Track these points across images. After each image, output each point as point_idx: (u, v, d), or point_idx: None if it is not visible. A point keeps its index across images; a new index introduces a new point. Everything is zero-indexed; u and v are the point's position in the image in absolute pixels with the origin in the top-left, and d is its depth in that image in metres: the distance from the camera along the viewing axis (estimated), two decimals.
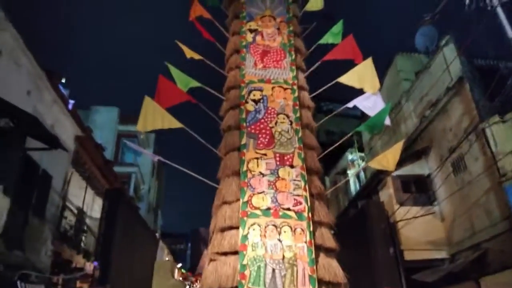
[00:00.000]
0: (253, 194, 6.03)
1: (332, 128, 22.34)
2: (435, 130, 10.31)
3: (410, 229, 9.13)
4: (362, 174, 17.11)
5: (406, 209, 9.39)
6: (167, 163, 7.55)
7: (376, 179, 10.92)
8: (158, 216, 30.10)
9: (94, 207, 12.21)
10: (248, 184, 6.12)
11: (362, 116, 13.16)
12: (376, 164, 7.53)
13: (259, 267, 5.41)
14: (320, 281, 5.48)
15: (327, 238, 6.03)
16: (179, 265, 15.85)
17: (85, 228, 11.12)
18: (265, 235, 5.66)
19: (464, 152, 8.77)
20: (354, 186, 17.55)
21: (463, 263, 7.64)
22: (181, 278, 13.91)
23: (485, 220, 7.82)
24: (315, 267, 5.47)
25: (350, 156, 18.01)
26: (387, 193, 10.26)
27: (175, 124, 7.29)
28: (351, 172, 17.36)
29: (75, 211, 10.98)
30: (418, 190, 10.14)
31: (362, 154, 17.41)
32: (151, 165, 25.88)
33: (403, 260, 8.60)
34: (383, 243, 8.68)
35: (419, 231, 9.03)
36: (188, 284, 13.63)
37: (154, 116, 7.14)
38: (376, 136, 15.22)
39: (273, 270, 5.40)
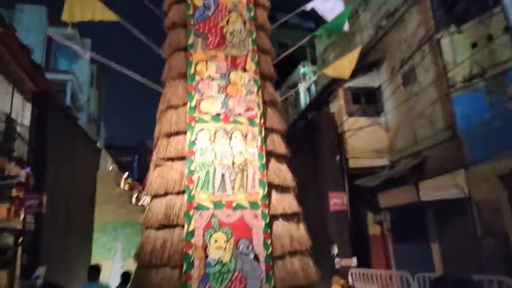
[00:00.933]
0: (202, 99, 5.56)
1: (286, 41, 21.59)
2: (390, 42, 10.14)
3: (356, 139, 9.39)
4: (313, 88, 17.08)
5: (354, 120, 9.54)
6: (107, 65, 6.76)
7: (327, 91, 10.84)
8: (101, 127, 28.93)
9: (26, 114, 11.20)
10: (196, 88, 5.61)
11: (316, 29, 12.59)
12: (331, 71, 7.27)
13: (207, 172, 5.19)
14: (270, 185, 5.43)
15: (278, 144, 5.88)
16: (126, 174, 15.52)
17: (16, 135, 10.22)
18: (214, 141, 5.36)
19: (416, 63, 8.75)
20: (304, 100, 17.60)
21: (403, 169, 8.08)
22: (127, 188, 13.67)
23: (428, 130, 8.15)
24: (265, 172, 5.37)
25: (302, 69, 17.72)
26: (337, 105, 10.30)
27: (110, 16, 6.34)
28: (302, 86, 17.23)
29: (2, 117, 9.95)
30: (368, 101, 10.27)
31: (315, 68, 17.17)
32: (89, 73, 24.08)
33: (348, 167, 8.96)
34: (331, 151, 8.89)
35: (364, 140, 9.32)
36: (136, 194, 13.43)
37: (83, 6, 6.11)
38: (330, 49, 14.88)
39: (223, 175, 5.21)
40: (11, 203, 9.98)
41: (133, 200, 12.68)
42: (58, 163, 7.95)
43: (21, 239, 7.31)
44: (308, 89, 17.41)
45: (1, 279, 8.55)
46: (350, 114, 9.78)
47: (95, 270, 6.24)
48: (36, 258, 6.81)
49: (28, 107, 11.02)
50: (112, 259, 10.36)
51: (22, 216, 7.40)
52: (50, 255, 7.26)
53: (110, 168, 15.59)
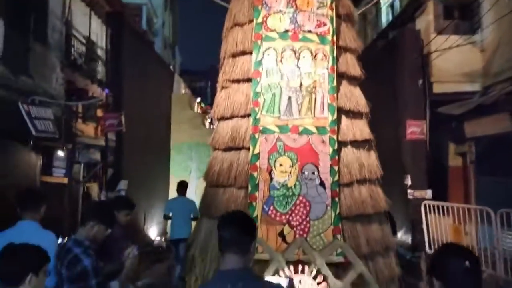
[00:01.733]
0: (269, 14, 5.13)
1: None
2: None
3: (444, 60, 8.28)
4: (397, 3, 15.19)
5: (443, 38, 8.33)
6: None
7: (415, 3, 9.47)
8: (176, 52, 29.55)
9: (104, 37, 11.63)
10: (263, 2, 5.15)
11: None
12: None
13: (273, 95, 4.94)
14: (340, 110, 5.06)
15: (351, 65, 5.35)
16: (198, 99, 15.94)
17: (97, 57, 10.76)
18: (281, 61, 5.01)
19: None
20: (386, 18, 15.84)
21: (497, 94, 7.05)
22: (200, 111, 14.09)
23: None
24: (335, 95, 4.97)
25: None
26: (425, 20, 9.02)
27: None
28: (384, 1, 15.40)
29: (82, 40, 10.45)
30: (462, 16, 8.83)
31: None
32: None
33: (431, 93, 8.08)
34: (413, 74, 8.00)
35: (454, 62, 8.20)
36: (209, 117, 13.81)
37: None
38: None
39: (289, 97, 4.93)
40: (97, 123, 10.88)
41: (206, 123, 13.11)
42: (134, 85, 8.28)
43: (105, 155, 7.99)
44: (391, 5, 15.53)
45: (94, 190, 9.66)
46: (440, 31, 8.52)
47: (182, 185, 6.75)
48: (119, 173, 7.44)
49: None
50: (188, 177, 11.10)
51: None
52: (131, 170, 7.89)
53: (183, 92, 16.08)
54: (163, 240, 9.27)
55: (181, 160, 11.13)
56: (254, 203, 4.75)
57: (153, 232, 9.25)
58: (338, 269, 4.40)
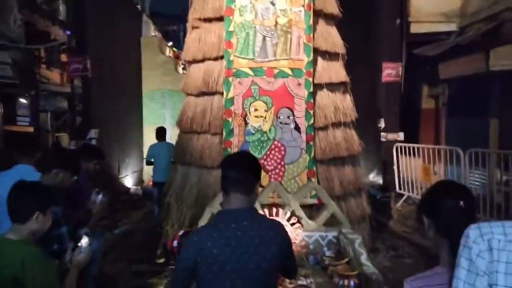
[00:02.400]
0: None
1: None
2: None
3: None
4: None
5: None
6: None
7: None
8: None
9: None
10: None
11: None
12: None
13: (247, 34, 4.70)
14: (316, 51, 4.90)
15: (328, 2, 5.10)
16: (170, 43, 15.20)
17: None
18: None
19: None
20: None
21: (473, 34, 6.99)
22: (173, 56, 13.49)
23: None
24: (311, 35, 4.77)
25: None
26: None
27: None
28: None
29: None
30: None
31: None
32: None
33: (408, 33, 7.93)
34: (391, 14, 7.78)
35: (432, 1, 7.99)
36: (181, 63, 13.25)
37: None
38: None
39: (264, 38, 4.71)
40: (62, 69, 10.28)
41: (179, 69, 12.62)
42: (99, 27, 7.73)
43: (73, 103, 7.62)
44: None
45: (64, 140, 9.35)
46: None
47: (161, 131, 6.65)
48: (87, 122, 7.16)
49: None
50: (162, 125, 10.86)
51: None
52: (101, 119, 7.60)
53: (153, 34, 15.28)
54: (139, 188, 9.25)
55: (155, 108, 10.82)
56: (229, 149, 4.69)
57: (128, 181, 9.19)
58: (312, 210, 4.51)
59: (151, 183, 8.90)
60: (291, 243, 1.91)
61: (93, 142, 7.04)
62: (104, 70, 7.90)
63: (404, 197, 7.60)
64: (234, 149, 4.68)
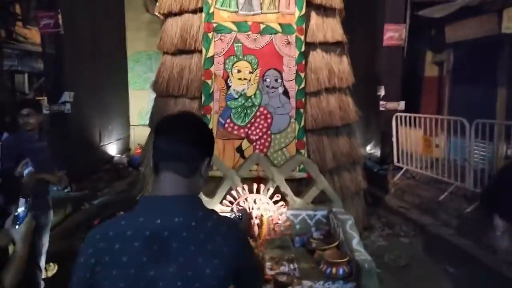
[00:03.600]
0: None
1: None
2: None
3: None
4: None
5: None
6: None
7: None
8: None
9: None
10: None
11: None
12: None
13: None
14: (309, 4, 4.26)
15: None
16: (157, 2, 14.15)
17: None
18: None
19: None
20: None
21: None
22: (159, 15, 12.50)
23: None
24: None
25: None
26: None
27: None
28: None
29: None
30: None
31: None
32: None
33: None
34: None
35: None
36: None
37: None
38: None
39: None
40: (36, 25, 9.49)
41: None
42: None
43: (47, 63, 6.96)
44: None
45: (44, 105, 8.72)
46: None
47: None
48: (60, 83, 6.56)
49: None
50: (148, 90, 10.24)
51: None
52: (78, 81, 6.99)
53: None
54: (123, 156, 8.75)
55: (141, 71, 10.14)
56: (208, 116, 4.16)
57: (112, 149, 8.69)
58: (301, 185, 4.04)
59: (138, 151, 8.43)
60: (252, 256, 1.34)
61: (68, 105, 6.48)
62: (80, 28, 7.19)
63: (403, 170, 7.15)
64: (214, 116, 4.15)
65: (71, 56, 6.81)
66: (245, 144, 4.15)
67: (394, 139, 7.31)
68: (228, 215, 2.17)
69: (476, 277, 3.69)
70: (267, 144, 4.17)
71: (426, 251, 4.38)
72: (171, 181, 1.17)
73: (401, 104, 7.37)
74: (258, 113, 4.17)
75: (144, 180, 4.64)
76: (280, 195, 3.21)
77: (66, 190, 6.57)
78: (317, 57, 4.41)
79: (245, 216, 1.77)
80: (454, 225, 5.08)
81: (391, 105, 7.30)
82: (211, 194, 3.51)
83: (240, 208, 3.06)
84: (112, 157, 8.62)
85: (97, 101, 7.72)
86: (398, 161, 7.29)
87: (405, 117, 6.98)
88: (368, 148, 8.58)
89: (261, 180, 3.81)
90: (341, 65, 4.64)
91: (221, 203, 3.33)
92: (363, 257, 2.84)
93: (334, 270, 2.81)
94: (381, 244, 4.57)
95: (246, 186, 3.20)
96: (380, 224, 5.25)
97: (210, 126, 4.14)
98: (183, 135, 1.19)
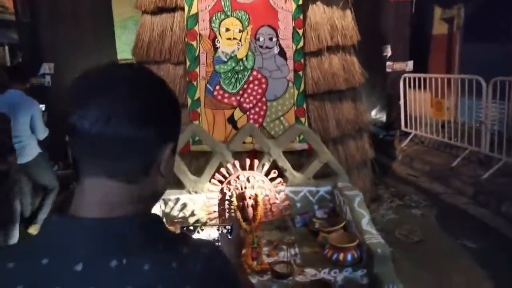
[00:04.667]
0: None
1: None
2: None
3: None
4: None
5: None
6: None
7: None
8: None
9: None
10: None
11: None
12: None
13: None
14: None
15: None
16: None
17: None
18: None
19: None
20: None
21: None
22: None
23: None
24: None
25: None
26: None
27: None
28: None
29: None
30: None
31: None
32: None
33: None
34: None
35: None
36: None
37: None
38: None
39: None
40: None
41: None
42: None
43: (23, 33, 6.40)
44: None
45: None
46: None
47: None
48: (38, 54, 6.03)
49: None
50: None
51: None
52: (58, 51, 6.45)
53: None
54: None
55: (129, 39, 9.45)
56: (194, 82, 3.68)
57: None
58: (301, 158, 3.62)
59: None
60: None
61: (48, 78, 5.98)
62: None
63: (411, 135, 6.71)
64: (201, 83, 3.67)
65: (49, 24, 6.24)
66: (237, 113, 3.68)
67: (401, 102, 6.82)
68: (214, 231, 1.69)
69: (499, 252, 3.32)
70: (262, 113, 3.71)
71: (441, 224, 4.00)
72: (101, 191, 0.67)
73: (409, 65, 6.83)
74: (251, 78, 3.68)
75: None
76: (277, 171, 2.79)
77: (54, 169, 6.19)
78: (317, 11, 3.86)
79: (236, 228, 1.27)
80: (469, 193, 4.69)
81: (398, 65, 6.76)
82: (199, 172, 3.09)
83: (230, 216, 2.63)
84: None
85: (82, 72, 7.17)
86: (406, 126, 6.83)
87: (414, 78, 6.45)
88: (373, 113, 8.09)
89: (257, 154, 3.39)
90: (345, 20, 4.09)
91: (210, 182, 2.91)
92: (375, 240, 2.45)
93: (341, 256, 2.43)
94: (391, 217, 4.19)
95: (237, 162, 2.77)
96: (388, 194, 4.86)
97: (197, 95, 3.68)
98: (121, 106, 0.65)
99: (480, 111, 5.35)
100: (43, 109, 4.84)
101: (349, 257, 2.43)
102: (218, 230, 1.27)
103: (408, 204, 4.59)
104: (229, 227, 1.28)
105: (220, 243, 1.20)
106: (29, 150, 3.73)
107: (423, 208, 4.46)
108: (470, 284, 2.84)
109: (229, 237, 1.22)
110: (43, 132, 3.83)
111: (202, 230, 1.22)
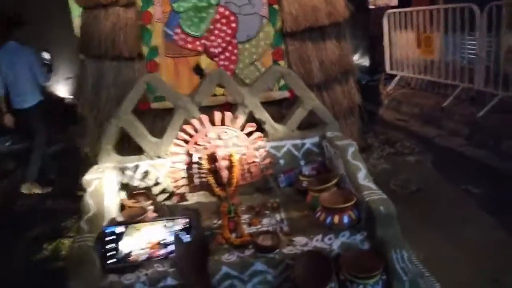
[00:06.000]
0: None
1: None
2: None
3: None
4: None
5: None
6: None
7: None
8: None
9: None
10: None
11: None
12: None
13: None
14: None
15: None
16: None
17: None
18: None
19: None
20: None
21: None
22: None
23: None
24: None
25: None
26: None
27: None
28: None
29: None
30: None
31: None
32: None
33: None
34: None
35: None
36: None
37: None
38: None
39: None
40: None
41: None
42: None
43: None
44: None
45: None
46: None
47: None
48: None
49: None
50: None
51: None
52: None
53: None
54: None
55: None
56: (149, 26, 3.07)
57: (62, 90, 7.48)
58: (282, 108, 3.13)
59: None
60: None
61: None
62: None
63: (397, 78, 6.27)
64: (157, 26, 3.06)
65: None
66: (204, 60, 3.13)
67: (385, 43, 6.31)
68: (159, 228, 1.10)
69: (507, 194, 3.00)
70: (233, 58, 3.16)
71: (438, 170, 3.66)
72: None
73: (394, 0, 6.25)
74: (217, 16, 3.09)
75: (84, 123, 3.66)
76: (254, 125, 2.30)
77: (7, 144, 5.57)
78: None
79: (197, 224, 0.74)
80: (465, 133, 4.35)
81: (381, 1, 6.16)
82: (160, 133, 2.58)
83: (188, 208, 2.07)
84: (62, 98, 7.47)
85: (30, 32, 6.32)
86: (392, 69, 6.37)
87: (399, 14, 5.89)
88: (356, 57, 7.58)
89: (230, 109, 2.89)
90: None
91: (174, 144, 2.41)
92: (376, 196, 2.05)
93: (336, 218, 2.02)
94: (384, 167, 3.82)
95: (205, 117, 2.26)
96: (378, 143, 4.48)
97: (154, 41, 3.08)
98: None
99: (469, 47, 4.91)
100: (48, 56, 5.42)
101: (345, 219, 2.02)
102: (165, 226, 0.75)
103: (400, 151, 4.23)
104: (186, 221, 0.79)
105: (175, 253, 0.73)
106: (30, 97, 4.09)
107: (417, 154, 4.11)
108: (483, 235, 2.50)
109: (185, 240, 0.75)
110: (44, 77, 4.21)
111: (138, 230, 0.70)
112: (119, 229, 0.62)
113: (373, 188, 2.12)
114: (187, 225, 0.70)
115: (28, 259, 2.86)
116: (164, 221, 0.73)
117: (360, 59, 7.61)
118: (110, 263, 0.63)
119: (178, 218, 0.72)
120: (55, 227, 3.38)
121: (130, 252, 0.67)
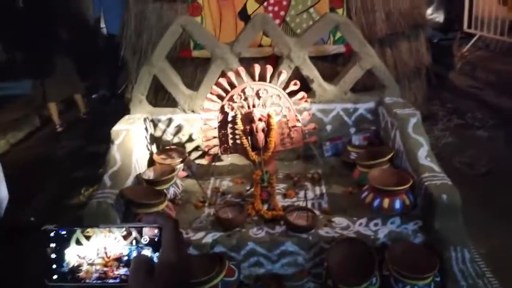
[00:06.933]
0: None
1: None
2: None
3: None
4: None
5: None
6: None
7: None
8: None
9: None
10: None
11: None
12: None
13: None
14: None
15: None
16: None
17: None
18: None
19: None
20: None
21: None
22: None
23: None
24: None
25: None
26: None
27: None
28: None
29: None
30: None
31: None
32: None
33: None
34: None
35: None
36: None
37: None
38: None
39: None
40: None
41: None
42: None
43: None
44: None
45: None
46: None
47: None
48: None
49: None
50: None
51: None
52: None
53: None
54: None
55: None
56: None
57: None
58: (336, 65, 2.73)
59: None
60: None
61: None
62: None
63: (475, 38, 5.46)
64: None
65: None
66: (251, 5, 2.76)
67: None
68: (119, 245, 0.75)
69: None
70: (285, 2, 2.76)
71: None
72: None
73: None
74: None
75: (126, 67, 3.50)
76: (298, 83, 1.96)
77: None
78: None
79: (170, 233, 0.44)
80: None
81: None
82: (194, 85, 2.34)
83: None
84: None
85: None
86: (470, 27, 5.54)
87: None
88: (428, 12, 6.70)
89: (275, 60, 2.55)
90: None
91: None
92: (439, 181, 1.69)
93: (386, 202, 1.71)
94: (449, 141, 3.34)
95: (242, 70, 1.96)
96: (444, 112, 3.94)
97: None
98: None
99: None
100: None
101: (397, 204, 1.70)
102: (126, 238, 0.46)
103: (470, 123, 3.68)
104: (155, 233, 0.53)
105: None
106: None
107: (490, 129, 3.55)
108: None
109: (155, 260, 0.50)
110: None
111: (88, 239, 0.48)
112: (67, 232, 0.45)
113: (436, 170, 1.76)
114: (156, 239, 0.45)
115: (61, 203, 2.86)
116: (126, 228, 0.50)
117: (433, 14, 6.72)
118: (55, 279, 0.43)
119: (144, 226, 0.47)
120: (95, 172, 3.36)
121: (79, 266, 0.46)
